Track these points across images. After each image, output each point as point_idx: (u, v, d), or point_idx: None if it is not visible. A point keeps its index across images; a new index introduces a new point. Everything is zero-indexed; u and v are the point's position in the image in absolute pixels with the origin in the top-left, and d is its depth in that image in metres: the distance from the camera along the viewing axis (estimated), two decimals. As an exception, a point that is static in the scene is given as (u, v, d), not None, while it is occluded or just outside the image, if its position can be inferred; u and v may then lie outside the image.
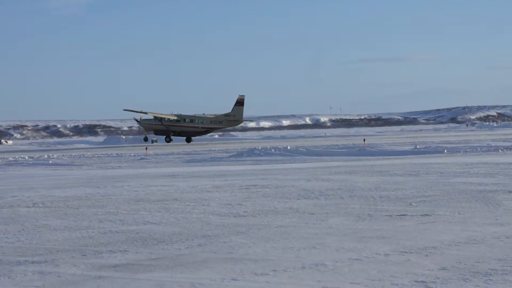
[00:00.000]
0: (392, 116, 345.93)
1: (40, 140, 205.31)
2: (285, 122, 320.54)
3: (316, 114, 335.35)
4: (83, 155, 66.99)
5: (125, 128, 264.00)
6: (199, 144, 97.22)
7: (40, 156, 64.82)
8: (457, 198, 21.92)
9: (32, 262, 13.44)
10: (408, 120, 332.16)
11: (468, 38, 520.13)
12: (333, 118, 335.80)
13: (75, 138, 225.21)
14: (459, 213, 18.68)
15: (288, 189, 26.01)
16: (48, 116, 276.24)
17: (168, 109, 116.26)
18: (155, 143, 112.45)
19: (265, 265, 12.64)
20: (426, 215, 18.48)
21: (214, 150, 69.45)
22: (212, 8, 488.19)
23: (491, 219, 17.68)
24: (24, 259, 13.80)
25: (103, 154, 67.83)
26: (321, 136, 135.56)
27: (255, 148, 61.98)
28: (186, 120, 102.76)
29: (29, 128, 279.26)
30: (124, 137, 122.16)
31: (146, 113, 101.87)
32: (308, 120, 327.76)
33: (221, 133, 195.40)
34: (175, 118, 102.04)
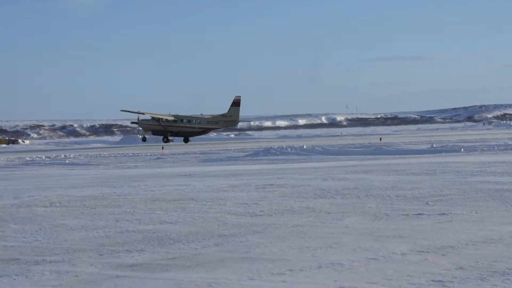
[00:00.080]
0: (409, 115, 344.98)
1: (56, 140, 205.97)
2: (301, 121, 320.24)
3: (332, 113, 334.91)
4: (100, 154, 67.15)
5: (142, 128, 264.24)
6: (215, 144, 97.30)
7: (57, 156, 65.05)
8: (474, 197, 21.84)
9: (50, 262, 13.48)
10: (425, 119, 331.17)
11: (486, 36, 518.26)
12: (349, 117, 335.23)
13: (91, 137, 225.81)
14: (476, 212, 18.61)
15: (304, 189, 25.98)
16: (64, 116, 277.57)
17: (169, 109, 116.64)
18: (171, 143, 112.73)
19: (282, 265, 12.63)
20: (443, 214, 18.42)
21: (230, 150, 69.49)
22: (212, 8, 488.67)
23: (508, 218, 17.60)
24: (42, 258, 13.85)
25: (119, 153, 67.99)
26: (337, 135, 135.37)
27: (271, 147, 61.95)
28: (184, 120, 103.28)
29: (46, 128, 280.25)
30: (140, 136, 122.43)
31: (143, 113, 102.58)
32: (324, 119, 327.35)
33: (237, 133, 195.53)
34: (173, 118, 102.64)
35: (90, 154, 69.18)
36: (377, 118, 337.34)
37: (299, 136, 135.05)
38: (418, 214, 18.55)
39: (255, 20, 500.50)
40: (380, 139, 73.15)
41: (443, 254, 13.22)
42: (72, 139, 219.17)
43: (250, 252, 13.91)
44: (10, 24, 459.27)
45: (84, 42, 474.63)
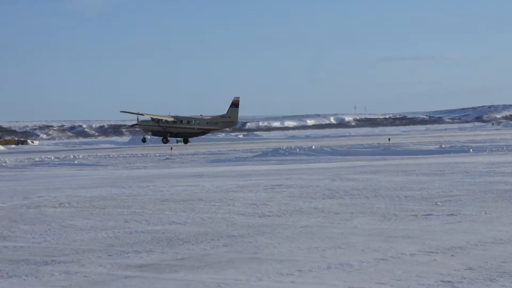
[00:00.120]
0: (417, 115, 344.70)
1: (65, 141, 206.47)
2: (310, 122, 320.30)
3: (341, 114, 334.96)
4: (109, 155, 67.25)
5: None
6: (224, 144, 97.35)
7: (66, 156, 65.19)
8: (483, 198, 21.80)
9: (59, 262, 13.52)
10: (433, 119, 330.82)
11: (493, 36, 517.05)
12: (358, 117, 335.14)
13: (100, 138, 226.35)
14: (485, 213, 18.58)
15: (313, 189, 25.98)
16: (73, 117, 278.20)
17: (176, 110, 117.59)
18: (179, 143, 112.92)
19: (291, 265, 12.64)
20: (452, 214, 18.40)
21: (239, 150, 69.51)
22: (214, 8, 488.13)
23: (517, 218, 17.57)
24: (51, 259, 13.88)
25: (128, 154, 68.09)
26: (346, 136, 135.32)
27: (280, 148, 61.95)
28: (183, 121, 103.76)
29: (55, 128, 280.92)
30: (149, 137, 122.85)
31: (142, 114, 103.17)
32: (332, 120, 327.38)
33: (245, 133, 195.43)
34: (172, 119, 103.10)
35: (99, 154, 69.29)
36: (385, 119, 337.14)
37: (307, 137, 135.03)
38: (427, 214, 18.54)
39: (256, 20, 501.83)
40: (389, 139, 73.15)
41: (452, 255, 13.21)
42: (81, 139, 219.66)
43: (259, 253, 13.93)
44: (18, 24, 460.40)
45: (92, 42, 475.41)
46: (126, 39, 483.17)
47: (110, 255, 14.15)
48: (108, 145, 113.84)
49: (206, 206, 21.59)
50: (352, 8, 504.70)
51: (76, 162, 55.22)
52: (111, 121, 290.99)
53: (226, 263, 13.05)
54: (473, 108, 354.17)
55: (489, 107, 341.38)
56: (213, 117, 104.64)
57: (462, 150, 54.81)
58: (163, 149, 78.00)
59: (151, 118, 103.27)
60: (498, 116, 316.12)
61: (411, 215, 18.46)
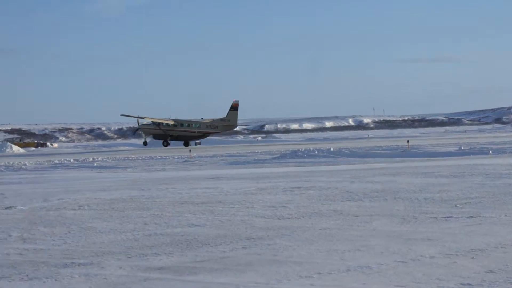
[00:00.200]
0: (436, 117, 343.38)
1: (85, 143, 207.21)
2: (328, 124, 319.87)
3: (359, 116, 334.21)
4: (128, 157, 67.42)
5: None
6: (242, 146, 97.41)
7: (85, 159, 65.41)
8: (503, 200, 21.70)
9: (79, 265, 13.56)
10: (452, 121, 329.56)
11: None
12: (376, 119, 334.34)
13: (119, 140, 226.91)
14: (506, 215, 18.49)
15: (331, 191, 25.95)
16: (92, 119, 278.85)
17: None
18: (198, 146, 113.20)
19: (310, 268, 12.63)
20: (472, 217, 18.32)
21: (257, 152, 69.52)
22: (221, 10, 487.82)
23: (538, 221, 17.47)
24: (71, 261, 13.93)
25: (147, 156, 68.22)
26: (365, 138, 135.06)
27: (298, 150, 61.90)
28: (183, 124, 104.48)
29: (74, 131, 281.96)
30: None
31: (143, 118, 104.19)
32: (351, 122, 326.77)
33: (264, 135, 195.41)
34: (173, 123, 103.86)
35: (118, 157, 69.49)
36: (404, 120, 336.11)
37: (326, 139, 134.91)
38: (447, 217, 18.46)
39: (266, 21, 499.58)
40: (408, 141, 72.95)
41: (472, 257, 13.15)
42: (100, 142, 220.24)
43: (278, 255, 13.92)
44: (36, 26, 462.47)
45: (109, 44, 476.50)
46: (140, 40, 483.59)
47: (129, 257, 14.18)
48: (127, 148, 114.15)
49: (225, 209, 21.60)
50: (370, 9, 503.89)
51: (95, 164, 55.40)
52: (130, 124, 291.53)
53: (245, 265, 13.05)
54: (493, 110, 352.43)
55: (509, 108, 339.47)
56: (213, 121, 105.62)
57: (482, 152, 54.58)
58: (182, 152, 78.11)
59: (152, 121, 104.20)
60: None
61: (431, 218, 18.39)
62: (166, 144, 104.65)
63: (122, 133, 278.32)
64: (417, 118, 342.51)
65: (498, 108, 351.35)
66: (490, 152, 53.66)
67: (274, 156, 58.69)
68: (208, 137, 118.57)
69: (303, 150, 62.82)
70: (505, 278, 11.52)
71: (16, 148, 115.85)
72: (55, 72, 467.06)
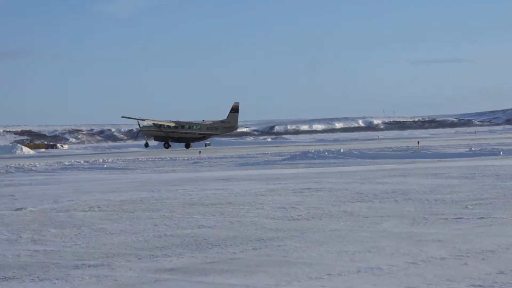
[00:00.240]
0: (446, 118, 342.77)
1: (95, 144, 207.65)
2: (338, 125, 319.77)
3: (369, 117, 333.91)
4: (138, 159, 67.52)
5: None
6: (252, 147, 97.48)
7: (95, 160, 65.52)
8: (514, 201, 21.63)
9: (89, 266, 13.58)
10: (463, 122, 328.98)
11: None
12: (386, 120, 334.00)
13: (129, 142, 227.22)
14: (516, 216, 18.42)
15: (342, 192, 25.93)
16: (102, 121, 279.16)
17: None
18: (208, 147, 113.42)
19: (320, 269, 12.61)
20: (483, 218, 18.26)
21: (268, 154, 69.52)
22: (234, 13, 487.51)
23: (549, 222, 17.41)
24: (81, 262, 13.95)
25: (157, 158, 68.31)
26: (375, 139, 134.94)
27: (308, 151, 61.87)
28: (184, 126, 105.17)
29: (84, 132, 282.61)
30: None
31: (143, 120, 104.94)
32: (361, 123, 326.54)
33: (273, 136, 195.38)
34: (174, 124, 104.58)
35: (128, 158, 69.60)
36: (414, 121, 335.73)
37: (336, 140, 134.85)
38: (457, 218, 18.41)
39: (288, 20, 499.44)
40: (418, 142, 72.86)
41: (483, 259, 13.11)
42: (110, 143, 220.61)
43: (288, 256, 13.91)
44: (46, 28, 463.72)
45: (120, 45, 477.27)
46: (151, 41, 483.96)
47: (139, 258, 14.19)
48: (137, 149, 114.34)
49: (235, 210, 21.60)
50: (381, 10, 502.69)
51: (105, 166, 55.50)
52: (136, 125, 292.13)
53: (255, 266, 13.05)
54: (503, 111, 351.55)
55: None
56: (214, 122, 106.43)
57: (492, 153, 54.43)
58: (192, 153, 78.19)
59: (153, 123, 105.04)
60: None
61: (441, 219, 18.35)
62: (167, 146, 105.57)
63: (132, 135, 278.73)
64: (427, 119, 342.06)
65: (509, 109, 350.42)
66: (501, 153, 53.52)
67: (284, 157, 58.68)
68: (217, 139, 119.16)
69: (313, 151, 62.78)
70: (516, 280, 11.47)
71: (26, 150, 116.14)
72: (65, 73, 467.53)
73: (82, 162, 62.76)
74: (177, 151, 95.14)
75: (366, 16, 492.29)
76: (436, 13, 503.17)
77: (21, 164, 61.69)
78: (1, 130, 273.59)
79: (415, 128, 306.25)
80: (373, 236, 15.95)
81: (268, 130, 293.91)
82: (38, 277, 12.74)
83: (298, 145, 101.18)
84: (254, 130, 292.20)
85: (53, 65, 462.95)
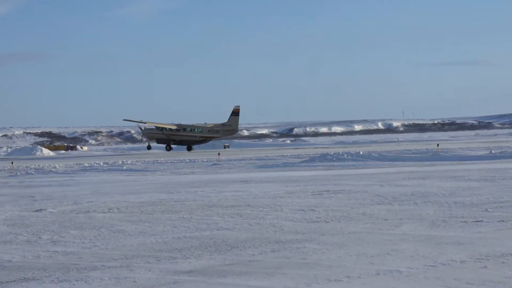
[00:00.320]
0: (466, 121, 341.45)
1: (114, 146, 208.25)
2: (357, 127, 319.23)
3: (389, 119, 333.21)
4: (157, 160, 67.65)
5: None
6: (271, 150, 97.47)
7: (115, 162, 65.70)
8: (534, 204, 21.51)
9: (108, 267, 13.61)
10: (483, 124, 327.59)
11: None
12: (406, 123, 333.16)
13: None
14: (537, 219, 18.32)
15: (361, 195, 25.87)
16: (122, 122, 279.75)
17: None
18: (227, 149, 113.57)
19: (339, 271, 12.58)
20: (503, 221, 18.17)
21: (287, 156, 69.49)
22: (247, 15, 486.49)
23: None
24: (101, 264, 13.99)
25: (176, 159, 68.41)
26: (394, 141, 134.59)
27: (327, 154, 61.80)
28: (186, 129, 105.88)
29: (103, 134, 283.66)
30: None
31: (145, 123, 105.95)
32: (380, 125, 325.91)
33: (292, 139, 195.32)
34: (175, 127, 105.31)
35: (147, 160, 69.74)
36: (434, 124, 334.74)
37: (355, 142, 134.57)
38: (477, 221, 18.32)
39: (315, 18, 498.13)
40: (438, 145, 72.57)
41: (503, 262, 13.04)
42: (129, 145, 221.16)
43: (307, 259, 13.88)
44: (66, 31, 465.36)
45: (136, 48, 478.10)
46: (168, 44, 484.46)
47: (158, 260, 14.22)
48: (156, 151, 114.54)
49: (254, 212, 21.60)
50: (401, 12, 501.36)
51: (124, 167, 55.64)
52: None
53: (274, 269, 13.03)
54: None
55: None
56: (215, 125, 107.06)
57: (513, 155, 54.13)
58: (211, 155, 78.26)
59: (155, 126, 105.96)
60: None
61: (461, 222, 18.27)
62: (168, 148, 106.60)
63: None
64: (447, 121, 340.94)
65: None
66: (521, 155, 53.20)
67: (303, 159, 58.61)
68: (236, 140, 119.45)
69: (332, 153, 62.69)
70: (536, 283, 11.40)
71: (46, 151, 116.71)
72: (84, 75, 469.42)
73: (101, 163, 62.94)
74: (196, 153, 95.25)
75: (387, 19, 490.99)
76: (457, 15, 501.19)
77: (41, 165, 61.98)
78: (22, 132, 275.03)
79: (434, 130, 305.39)
80: (392, 239, 15.91)
81: (287, 132, 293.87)
82: (57, 278, 12.79)
83: (317, 147, 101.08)
84: (273, 132, 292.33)
85: (73, 67, 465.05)
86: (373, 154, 60.05)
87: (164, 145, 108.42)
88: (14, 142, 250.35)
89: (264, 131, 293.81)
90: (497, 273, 12.16)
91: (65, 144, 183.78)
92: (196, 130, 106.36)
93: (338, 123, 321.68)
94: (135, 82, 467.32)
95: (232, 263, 13.72)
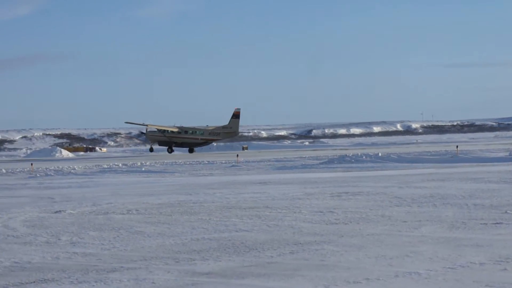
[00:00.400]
0: (486, 122, 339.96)
1: (133, 148, 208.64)
2: (376, 129, 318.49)
3: (408, 121, 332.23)
4: (175, 162, 67.76)
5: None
6: (290, 151, 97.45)
7: (133, 163, 65.85)
8: (554, 206, 21.39)
9: (127, 269, 13.66)
10: (502, 126, 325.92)
11: None
12: (425, 124, 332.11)
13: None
14: (557, 222, 18.22)
15: (379, 197, 25.82)
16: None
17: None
18: (245, 150, 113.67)
19: (358, 273, 12.57)
20: (522, 223, 18.08)
21: (305, 157, 69.42)
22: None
23: None
24: (120, 265, 14.03)
25: (194, 161, 68.50)
26: (413, 143, 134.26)
27: (346, 155, 61.69)
28: (188, 132, 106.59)
29: (122, 135, 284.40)
30: (215, 144, 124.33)
31: (146, 125, 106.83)
32: (399, 127, 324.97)
33: (311, 140, 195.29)
34: (177, 130, 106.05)
35: (165, 161, 69.85)
36: (453, 126, 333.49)
37: (373, 144, 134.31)
38: (497, 223, 18.25)
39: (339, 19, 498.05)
40: (457, 146, 72.31)
41: (523, 264, 12.98)
42: (148, 146, 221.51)
43: (325, 260, 13.88)
44: (86, 32, 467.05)
45: (151, 50, 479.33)
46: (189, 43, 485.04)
47: (177, 261, 14.25)
48: (174, 152, 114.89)
49: (272, 214, 21.60)
50: (421, 13, 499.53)
51: (143, 169, 55.77)
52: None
53: (292, 270, 13.03)
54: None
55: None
56: (216, 128, 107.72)
57: (532, 157, 53.84)
58: (229, 156, 78.32)
59: (157, 129, 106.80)
60: None
61: (480, 224, 18.20)
62: (170, 150, 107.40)
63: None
64: (466, 123, 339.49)
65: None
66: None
67: (321, 161, 58.55)
68: (255, 142, 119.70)
69: (350, 155, 62.60)
70: (556, 286, 11.35)
71: (65, 153, 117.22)
72: (103, 77, 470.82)
73: (120, 165, 63.12)
74: (215, 154, 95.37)
75: (405, 20, 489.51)
76: (477, 16, 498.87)
77: (60, 167, 62.23)
78: (41, 133, 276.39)
79: (453, 132, 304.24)
80: (411, 241, 15.87)
81: (306, 134, 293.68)
82: (76, 279, 12.84)
83: (335, 149, 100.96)
84: (292, 134, 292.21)
85: (92, 69, 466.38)
86: (392, 155, 59.90)
87: (166, 148, 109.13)
88: (33, 143, 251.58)
89: (283, 133, 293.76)
90: (517, 275, 12.11)
91: (84, 146, 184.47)
92: (197, 132, 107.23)
93: (357, 124, 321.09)
94: (144, 83, 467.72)
95: (251, 264, 13.73)
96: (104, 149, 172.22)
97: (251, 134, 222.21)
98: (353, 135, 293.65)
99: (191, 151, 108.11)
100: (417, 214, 20.57)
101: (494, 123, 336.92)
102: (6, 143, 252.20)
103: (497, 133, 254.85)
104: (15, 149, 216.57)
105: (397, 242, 15.79)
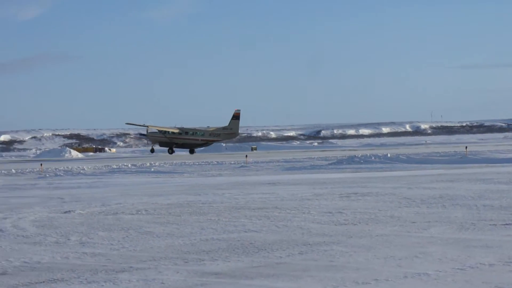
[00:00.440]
0: (495, 123, 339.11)
1: (142, 148, 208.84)
2: (385, 130, 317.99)
3: (417, 121, 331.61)
4: (184, 162, 67.83)
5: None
6: (298, 152, 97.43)
7: (143, 164, 65.94)
8: None
9: (136, 269, 13.68)
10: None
11: None
12: (434, 125, 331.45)
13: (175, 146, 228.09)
14: None
15: (388, 197, 25.80)
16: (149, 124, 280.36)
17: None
18: (254, 151, 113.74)
19: (367, 274, 12.56)
20: (532, 224, 18.04)
21: (314, 158, 69.42)
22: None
23: None
24: (129, 265, 14.06)
25: (203, 161, 68.55)
26: (422, 144, 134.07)
27: (355, 156, 61.63)
28: (188, 133, 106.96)
29: (131, 136, 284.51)
30: (224, 144, 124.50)
31: (147, 126, 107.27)
32: (408, 128, 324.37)
33: (320, 141, 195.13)
34: (178, 131, 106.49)
35: (174, 162, 69.94)
36: (462, 126, 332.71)
37: (382, 144, 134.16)
38: (506, 224, 18.22)
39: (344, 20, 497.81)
40: (466, 147, 72.17)
41: (532, 265, 12.95)
42: (157, 147, 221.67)
43: (334, 261, 13.88)
44: (95, 34, 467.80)
45: (158, 51, 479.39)
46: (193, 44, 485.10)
47: (186, 262, 14.27)
48: (183, 153, 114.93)
49: (281, 214, 21.61)
50: (431, 14, 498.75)
51: (152, 169, 55.84)
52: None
53: (301, 271, 13.04)
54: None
55: None
56: (216, 129, 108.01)
57: (542, 158, 53.71)
58: (238, 157, 78.35)
59: (158, 130, 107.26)
60: None
61: (490, 225, 18.16)
62: (171, 151, 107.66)
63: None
64: (475, 124, 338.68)
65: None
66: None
67: (330, 161, 58.53)
68: (264, 143, 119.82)
69: (359, 156, 62.52)
70: None
71: (74, 153, 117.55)
72: (113, 77, 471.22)
73: (129, 165, 63.23)
74: (224, 155, 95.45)
75: (413, 21, 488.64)
76: (487, 18, 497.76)
77: (70, 167, 62.38)
78: (50, 134, 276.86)
79: (463, 133, 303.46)
80: (420, 242, 15.85)
81: (315, 135, 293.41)
82: (86, 279, 12.88)
83: (344, 150, 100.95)
84: (301, 135, 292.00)
85: (101, 69, 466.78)
86: (401, 156, 59.84)
87: (167, 148, 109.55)
88: (43, 144, 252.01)
89: (291, 133, 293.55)
90: (526, 276, 12.09)
91: (94, 146, 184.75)
92: (197, 133, 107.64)
93: (366, 125, 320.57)
94: (148, 84, 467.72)
95: (260, 265, 13.74)
96: (113, 150, 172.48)
97: (260, 134, 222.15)
98: (362, 136, 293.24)
99: (191, 152, 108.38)
100: (426, 215, 20.54)
101: (503, 124, 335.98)
102: (15, 144, 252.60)
103: (507, 134, 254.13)
104: (24, 149, 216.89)
105: (406, 243, 15.78)
